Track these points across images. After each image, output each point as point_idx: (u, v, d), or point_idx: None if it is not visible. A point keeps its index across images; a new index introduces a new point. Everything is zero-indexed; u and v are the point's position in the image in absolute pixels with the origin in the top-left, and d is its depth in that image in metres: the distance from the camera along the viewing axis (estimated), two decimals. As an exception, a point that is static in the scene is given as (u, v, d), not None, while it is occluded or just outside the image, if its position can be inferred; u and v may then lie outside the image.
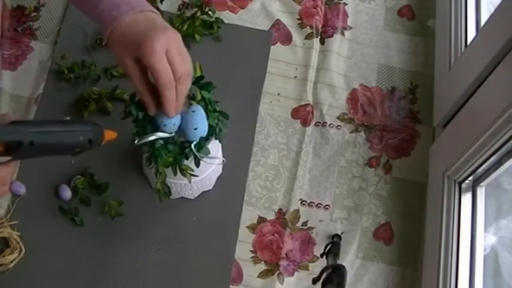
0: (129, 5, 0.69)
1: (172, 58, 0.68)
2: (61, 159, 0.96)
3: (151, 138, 0.78)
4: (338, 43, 1.12)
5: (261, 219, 0.98)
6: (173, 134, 0.78)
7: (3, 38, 1.07)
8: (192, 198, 0.96)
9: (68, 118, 0.64)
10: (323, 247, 0.94)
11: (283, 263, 0.95)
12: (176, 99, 0.71)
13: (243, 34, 1.11)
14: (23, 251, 0.91)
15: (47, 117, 1.00)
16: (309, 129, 1.05)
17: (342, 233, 0.97)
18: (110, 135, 0.67)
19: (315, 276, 0.90)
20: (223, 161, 0.91)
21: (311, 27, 1.12)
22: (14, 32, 1.08)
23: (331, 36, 1.12)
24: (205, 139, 0.80)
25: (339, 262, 0.91)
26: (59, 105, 1.02)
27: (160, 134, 0.77)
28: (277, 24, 1.13)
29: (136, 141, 0.78)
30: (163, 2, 1.12)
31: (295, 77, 1.09)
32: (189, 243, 0.94)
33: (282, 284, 0.94)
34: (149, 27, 0.68)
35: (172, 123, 0.77)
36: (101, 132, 0.65)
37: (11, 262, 0.90)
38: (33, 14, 1.10)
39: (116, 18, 0.68)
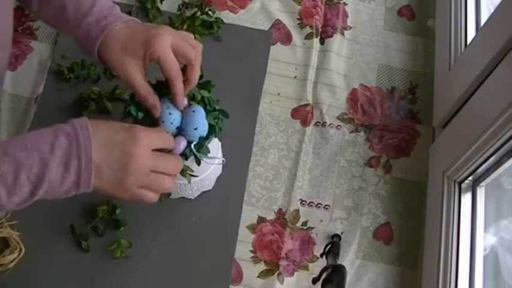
0: (116, 16, 0.74)
1: (179, 47, 0.73)
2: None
3: None
4: (338, 43, 1.12)
5: (261, 219, 0.98)
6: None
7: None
8: (192, 198, 0.96)
9: None
10: (323, 247, 0.94)
11: (283, 263, 0.95)
12: (191, 82, 0.77)
13: (243, 34, 1.11)
14: (23, 251, 0.90)
15: (47, 117, 1.01)
16: (309, 129, 1.05)
17: (341, 233, 0.97)
18: None
19: (315, 276, 0.91)
20: (223, 161, 0.91)
21: (311, 27, 1.12)
22: (14, 32, 1.08)
23: (331, 36, 1.12)
24: (205, 138, 0.80)
25: (338, 262, 0.92)
26: (59, 105, 1.02)
27: None
28: (277, 24, 1.13)
29: None
30: (163, 2, 1.12)
31: (295, 77, 1.09)
32: (189, 243, 0.94)
33: (281, 284, 0.93)
34: (146, 28, 0.73)
35: (170, 122, 0.77)
36: None
37: (11, 262, 0.89)
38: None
39: (106, 27, 0.72)
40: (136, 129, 0.67)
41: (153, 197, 0.70)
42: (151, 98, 0.74)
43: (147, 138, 0.67)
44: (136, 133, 0.66)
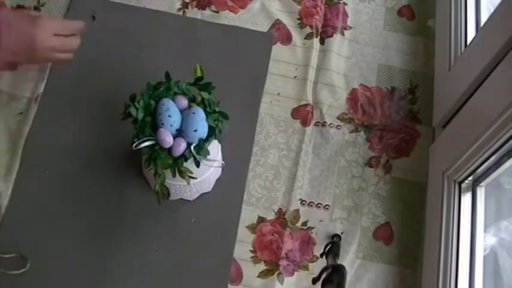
0: None
1: None
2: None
3: (148, 143, 0.78)
4: (338, 43, 1.12)
5: (261, 219, 0.98)
6: None
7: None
8: (191, 199, 0.96)
9: None
10: (323, 247, 0.94)
11: (283, 262, 0.95)
12: None
13: (244, 36, 1.10)
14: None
15: (47, 117, 1.00)
16: (309, 129, 1.05)
17: (341, 233, 0.97)
18: None
19: (315, 276, 0.91)
20: (222, 164, 0.91)
21: (311, 27, 1.12)
22: (13, 32, 1.08)
23: (331, 36, 1.12)
24: (205, 140, 0.80)
25: (338, 262, 0.92)
26: (59, 105, 1.02)
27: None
28: (277, 24, 1.13)
29: (133, 146, 0.78)
30: (163, 2, 1.11)
31: (295, 77, 1.09)
32: (188, 243, 0.94)
33: (281, 284, 0.94)
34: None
35: (170, 124, 0.78)
36: None
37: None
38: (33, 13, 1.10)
39: None
40: (39, 19, 0.86)
41: (63, 56, 0.92)
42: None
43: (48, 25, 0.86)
44: (38, 22, 0.85)
